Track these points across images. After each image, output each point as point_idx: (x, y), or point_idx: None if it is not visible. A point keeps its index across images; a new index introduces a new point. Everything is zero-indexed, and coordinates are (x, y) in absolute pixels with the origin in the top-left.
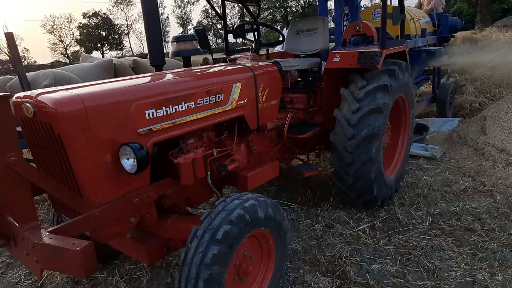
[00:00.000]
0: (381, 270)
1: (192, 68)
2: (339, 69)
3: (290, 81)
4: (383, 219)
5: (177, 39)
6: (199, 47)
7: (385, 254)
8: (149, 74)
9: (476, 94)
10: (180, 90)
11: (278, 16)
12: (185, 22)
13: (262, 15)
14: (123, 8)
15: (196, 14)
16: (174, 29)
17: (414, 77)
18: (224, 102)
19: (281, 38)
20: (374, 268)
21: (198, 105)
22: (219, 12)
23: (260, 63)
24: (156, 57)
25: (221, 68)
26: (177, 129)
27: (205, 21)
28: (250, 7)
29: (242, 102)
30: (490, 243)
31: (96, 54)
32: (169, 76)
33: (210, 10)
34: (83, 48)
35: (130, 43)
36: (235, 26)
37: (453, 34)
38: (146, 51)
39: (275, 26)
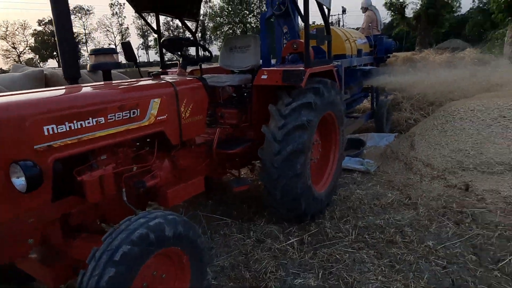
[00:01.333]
0: (303, 285)
1: (107, 82)
2: (269, 86)
3: (223, 96)
4: (312, 233)
5: (95, 52)
6: (120, 61)
7: (309, 268)
8: (57, 87)
9: (411, 111)
10: (86, 105)
11: (238, 31)
12: (146, 33)
13: (222, 30)
14: (81, 17)
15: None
16: (134, 40)
17: (352, 94)
18: (140, 117)
19: (215, 55)
20: (296, 283)
21: (109, 121)
22: (153, 27)
23: (184, 79)
24: (70, 70)
25: (139, 83)
26: (84, 145)
27: (166, 33)
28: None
29: (161, 117)
30: (408, 255)
31: (52, 62)
32: (76, 90)
33: (171, 22)
34: (37, 55)
35: (88, 52)
36: (161, 41)
37: (388, 55)
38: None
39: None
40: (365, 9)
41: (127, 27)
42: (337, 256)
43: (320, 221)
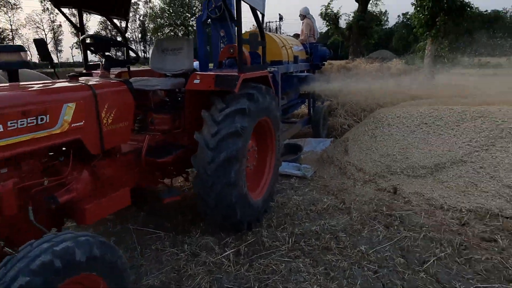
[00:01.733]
0: None
1: (13, 84)
2: (203, 91)
3: (154, 101)
4: (249, 243)
5: None
6: (28, 60)
7: (245, 282)
8: None
9: (346, 117)
10: None
11: (180, 34)
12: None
13: (163, 32)
14: (7, 11)
15: (93, 24)
16: (68, 38)
17: (289, 100)
18: (50, 124)
19: (140, 56)
20: None
21: (9, 129)
22: (75, 23)
23: (106, 82)
24: None
25: (49, 85)
26: None
27: (103, 32)
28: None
29: (77, 124)
30: (342, 261)
31: None
32: None
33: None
34: None
35: None
36: (81, 39)
37: (323, 62)
38: (33, 58)
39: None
40: (303, 16)
41: (60, 24)
42: (274, 267)
43: (257, 229)
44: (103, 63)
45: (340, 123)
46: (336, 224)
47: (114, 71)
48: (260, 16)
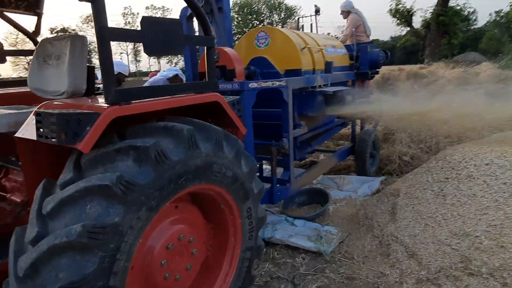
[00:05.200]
0: None
1: None
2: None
3: None
4: None
5: None
6: None
7: None
8: None
9: (409, 144)
10: None
11: None
12: None
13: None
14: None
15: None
16: None
17: (314, 127)
18: None
19: None
20: None
21: None
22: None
23: None
24: None
25: None
26: None
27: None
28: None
29: None
30: None
31: None
32: None
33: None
34: None
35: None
36: None
37: (376, 69)
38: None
39: None
40: (346, 13)
41: None
42: None
43: None
44: None
45: (399, 152)
46: None
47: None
48: None
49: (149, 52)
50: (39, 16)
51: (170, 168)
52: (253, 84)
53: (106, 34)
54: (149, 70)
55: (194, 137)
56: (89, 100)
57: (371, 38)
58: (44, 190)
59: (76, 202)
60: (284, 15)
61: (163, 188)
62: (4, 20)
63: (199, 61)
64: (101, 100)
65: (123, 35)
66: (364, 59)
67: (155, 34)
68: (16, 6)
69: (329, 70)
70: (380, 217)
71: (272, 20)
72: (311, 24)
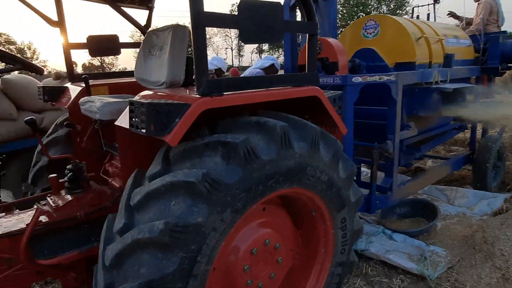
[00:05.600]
0: None
1: None
2: None
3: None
4: None
5: None
6: None
7: None
8: None
9: None
10: None
11: None
12: None
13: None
14: None
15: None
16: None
17: (426, 129)
18: None
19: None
20: None
21: None
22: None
23: None
24: None
25: None
26: None
27: None
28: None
29: None
30: None
31: None
32: None
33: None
34: None
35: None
36: None
37: (508, 65)
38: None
39: None
40: None
41: None
42: None
43: None
44: None
45: None
46: None
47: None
48: None
49: (245, 39)
50: (151, 10)
51: (260, 167)
52: (357, 79)
53: (201, 19)
54: (250, 65)
55: (288, 135)
56: (183, 90)
57: (502, 28)
58: (134, 180)
59: (161, 197)
60: (394, 5)
61: (250, 189)
62: (119, 13)
63: (299, 54)
64: (194, 91)
65: (218, 20)
66: (494, 52)
67: (252, 19)
68: (131, 1)
69: (448, 64)
70: (505, 245)
71: (380, 12)
72: (428, 14)
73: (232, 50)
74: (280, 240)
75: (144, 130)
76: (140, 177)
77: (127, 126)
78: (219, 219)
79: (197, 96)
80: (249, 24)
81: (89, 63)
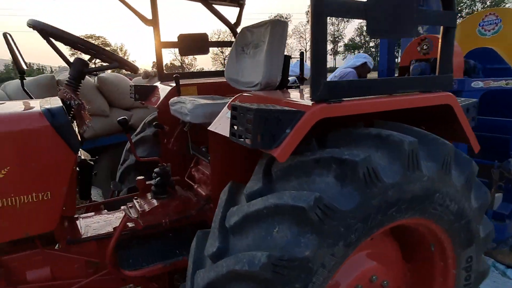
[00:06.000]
0: None
1: None
2: None
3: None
4: None
5: None
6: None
7: None
8: None
9: None
10: None
11: None
12: (336, 39)
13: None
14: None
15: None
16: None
17: None
18: None
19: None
20: None
21: None
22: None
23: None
24: None
25: None
26: None
27: (357, 38)
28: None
29: None
30: None
31: None
32: None
33: (365, 27)
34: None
35: None
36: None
37: None
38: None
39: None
40: None
41: None
42: None
43: None
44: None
45: None
46: None
47: (186, 81)
48: None
49: (373, 32)
50: (242, 7)
51: (381, 192)
52: (477, 83)
53: (324, 7)
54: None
55: (417, 153)
56: (287, 94)
57: None
58: (229, 195)
59: (262, 221)
60: (491, 3)
61: (367, 218)
62: (210, 11)
63: (402, 54)
64: (302, 95)
65: (343, 10)
66: None
67: (382, 9)
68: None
69: None
70: None
71: (473, 10)
72: None
73: (306, 52)
74: (388, 276)
75: (249, 141)
76: (235, 193)
77: (227, 135)
78: (329, 254)
79: (311, 102)
80: (379, 14)
81: (171, 63)
